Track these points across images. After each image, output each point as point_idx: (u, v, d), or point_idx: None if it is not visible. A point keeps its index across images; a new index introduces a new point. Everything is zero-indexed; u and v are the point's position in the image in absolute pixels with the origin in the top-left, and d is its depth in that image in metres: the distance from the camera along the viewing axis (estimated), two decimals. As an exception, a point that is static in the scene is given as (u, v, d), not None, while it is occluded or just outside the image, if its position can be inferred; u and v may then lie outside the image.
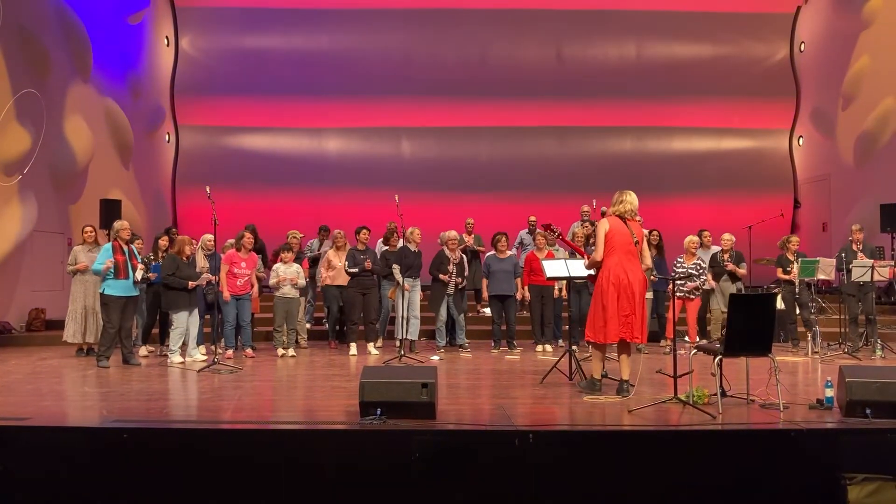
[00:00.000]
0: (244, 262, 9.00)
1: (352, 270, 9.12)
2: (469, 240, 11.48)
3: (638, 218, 6.44)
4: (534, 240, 10.10)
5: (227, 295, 8.85)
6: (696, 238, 9.66)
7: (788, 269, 9.55)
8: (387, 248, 9.82)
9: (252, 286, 9.10)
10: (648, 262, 6.43)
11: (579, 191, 12.98)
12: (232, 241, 9.45)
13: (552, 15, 15.41)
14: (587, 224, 10.91)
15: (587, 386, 6.42)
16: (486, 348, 9.72)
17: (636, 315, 6.13)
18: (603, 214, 8.19)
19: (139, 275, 8.27)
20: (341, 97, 15.30)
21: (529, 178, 14.90)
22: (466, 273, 9.90)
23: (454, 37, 15.40)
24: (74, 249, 9.10)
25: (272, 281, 9.21)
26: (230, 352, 8.92)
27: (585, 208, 11.54)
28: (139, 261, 8.40)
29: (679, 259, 9.60)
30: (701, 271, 9.47)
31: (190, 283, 8.46)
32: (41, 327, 10.74)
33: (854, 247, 9.39)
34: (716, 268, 9.57)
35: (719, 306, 9.54)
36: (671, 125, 15.62)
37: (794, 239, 9.92)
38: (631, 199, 6.33)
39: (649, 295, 9.24)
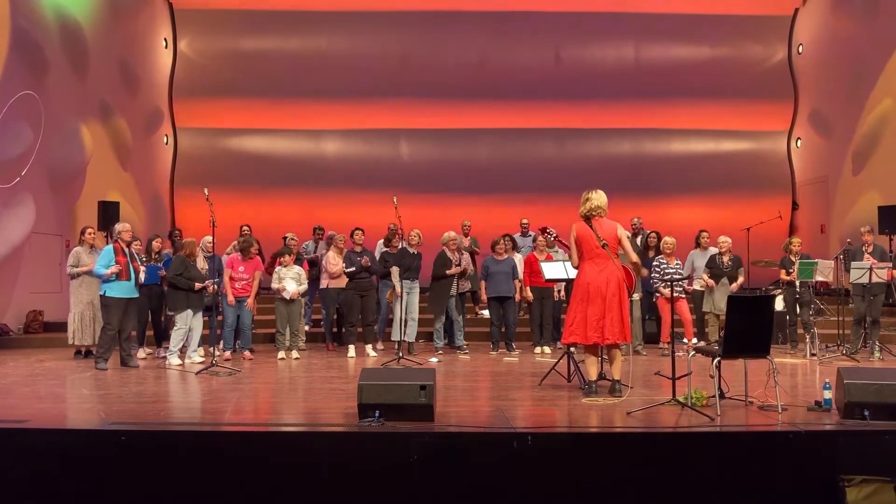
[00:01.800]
0: (242, 267, 9.01)
1: (348, 270, 9.13)
2: (465, 241, 11.51)
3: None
4: (533, 240, 10.12)
5: (231, 299, 8.89)
6: (671, 239, 9.60)
7: (791, 270, 9.54)
8: (387, 249, 9.83)
9: (251, 290, 9.11)
10: (633, 257, 6.44)
11: (578, 193, 12.95)
12: (235, 243, 9.45)
13: (551, 17, 15.41)
14: None
15: (585, 391, 6.41)
16: (485, 350, 9.72)
17: (606, 318, 6.13)
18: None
19: (143, 276, 8.29)
20: (340, 99, 15.27)
21: (528, 180, 14.90)
22: (470, 272, 9.92)
23: (453, 39, 15.40)
24: (76, 251, 9.02)
25: (274, 285, 9.18)
26: (228, 353, 8.93)
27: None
28: (139, 262, 8.40)
29: (661, 261, 9.49)
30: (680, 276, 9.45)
31: (196, 284, 8.46)
32: (39, 329, 10.72)
33: (864, 248, 9.36)
34: (714, 269, 9.53)
35: (712, 309, 9.47)
36: (669, 127, 15.64)
37: (796, 240, 9.91)
38: (594, 197, 6.34)
39: (637, 296, 9.19)
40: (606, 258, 6.21)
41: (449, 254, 9.58)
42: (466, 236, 11.75)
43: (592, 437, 5.07)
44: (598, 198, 6.35)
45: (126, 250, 8.20)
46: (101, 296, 8.16)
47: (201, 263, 9.01)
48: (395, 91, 15.23)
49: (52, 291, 11.10)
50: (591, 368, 6.36)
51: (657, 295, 9.43)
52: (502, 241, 9.89)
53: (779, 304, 9.83)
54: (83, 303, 8.88)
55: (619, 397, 6.09)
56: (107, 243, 9.31)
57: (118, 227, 8.37)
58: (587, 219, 6.32)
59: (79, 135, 11.97)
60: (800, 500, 4.69)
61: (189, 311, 8.54)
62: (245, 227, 10.68)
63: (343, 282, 9.36)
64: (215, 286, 8.74)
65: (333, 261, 9.46)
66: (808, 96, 15.34)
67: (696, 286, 9.65)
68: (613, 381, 6.26)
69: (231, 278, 8.96)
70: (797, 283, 9.44)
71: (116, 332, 8.10)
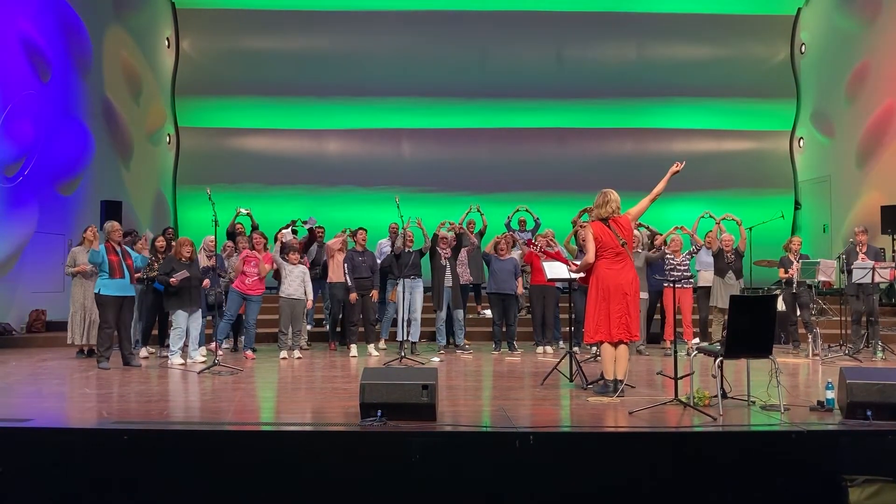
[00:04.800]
0: (254, 262, 9.01)
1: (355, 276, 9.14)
2: (473, 238, 11.52)
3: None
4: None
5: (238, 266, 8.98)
6: (678, 236, 9.73)
7: (789, 269, 9.55)
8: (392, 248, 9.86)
9: (261, 288, 9.16)
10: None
11: (580, 192, 12.97)
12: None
13: (552, 17, 15.41)
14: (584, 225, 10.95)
15: (601, 389, 6.39)
16: (487, 350, 9.72)
17: (630, 315, 6.17)
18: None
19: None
20: (342, 98, 15.31)
21: (529, 180, 14.88)
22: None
23: (455, 38, 15.40)
24: (73, 250, 9.08)
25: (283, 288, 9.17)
26: (215, 344, 8.55)
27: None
28: (133, 260, 8.38)
29: (668, 256, 9.63)
30: (685, 268, 9.58)
31: (171, 279, 8.31)
32: (41, 329, 10.73)
33: (858, 248, 9.37)
34: (719, 265, 9.64)
35: (716, 303, 9.55)
36: (671, 127, 15.63)
37: (796, 239, 9.93)
38: (613, 199, 6.35)
39: (644, 295, 9.27)
40: (626, 256, 6.23)
41: (439, 250, 9.60)
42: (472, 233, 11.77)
43: (594, 437, 5.06)
44: (616, 198, 6.35)
45: (117, 249, 8.20)
46: (95, 294, 8.16)
47: (205, 263, 9.01)
48: (396, 90, 15.24)
49: (54, 291, 11.10)
50: (611, 367, 6.30)
51: (665, 284, 9.46)
52: (503, 240, 9.89)
53: (780, 304, 9.84)
54: (78, 302, 8.91)
55: (619, 396, 6.10)
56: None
57: (107, 226, 8.38)
58: (604, 220, 6.30)
59: (81, 134, 11.99)
60: (802, 500, 4.69)
61: (182, 312, 8.45)
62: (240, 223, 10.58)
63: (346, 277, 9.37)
64: (176, 279, 8.44)
65: (332, 243, 9.51)
66: (811, 96, 15.32)
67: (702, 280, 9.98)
68: (616, 380, 6.26)
69: (244, 273, 8.96)
70: (795, 282, 9.43)
71: (114, 330, 8.11)
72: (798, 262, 9.53)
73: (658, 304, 10.05)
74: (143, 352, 9.08)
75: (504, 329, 9.69)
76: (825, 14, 14.74)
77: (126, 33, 13.73)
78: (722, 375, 5.63)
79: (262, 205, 14.44)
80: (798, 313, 9.64)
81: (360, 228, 9.48)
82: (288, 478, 4.69)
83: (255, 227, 10.11)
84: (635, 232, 8.87)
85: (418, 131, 15.63)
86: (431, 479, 4.67)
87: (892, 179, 12.55)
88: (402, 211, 8.94)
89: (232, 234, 9.95)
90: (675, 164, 6.45)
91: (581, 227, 8.44)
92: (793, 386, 6.85)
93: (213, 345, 8.65)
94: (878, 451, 4.77)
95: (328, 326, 10.29)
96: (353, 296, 9.10)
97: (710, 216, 10.10)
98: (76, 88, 12.03)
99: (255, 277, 9.02)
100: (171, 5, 15.41)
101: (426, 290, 9.81)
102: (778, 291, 10.30)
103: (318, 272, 10.26)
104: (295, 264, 9.18)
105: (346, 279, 9.18)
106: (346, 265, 9.22)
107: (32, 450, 4.79)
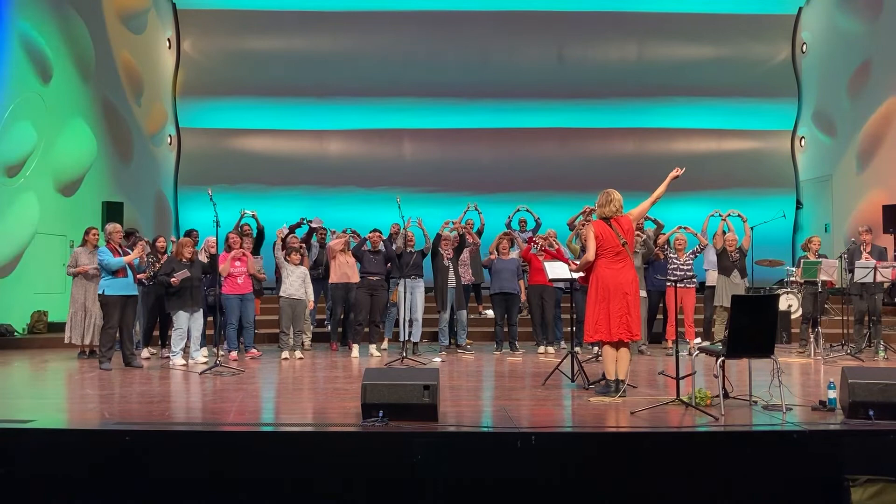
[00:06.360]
0: (238, 262, 9.02)
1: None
2: (475, 238, 11.51)
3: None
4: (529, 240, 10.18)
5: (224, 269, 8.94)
6: (682, 235, 9.76)
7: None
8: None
9: (251, 285, 9.16)
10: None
11: (581, 192, 12.96)
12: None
13: (553, 17, 15.41)
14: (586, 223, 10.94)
15: (602, 389, 6.38)
16: (488, 350, 9.72)
17: (630, 315, 6.17)
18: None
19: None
20: (343, 99, 15.32)
21: (531, 180, 14.87)
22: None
23: (456, 38, 15.40)
24: (75, 251, 9.10)
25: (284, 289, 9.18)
26: (234, 353, 8.90)
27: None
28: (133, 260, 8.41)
29: (671, 256, 9.68)
30: (688, 268, 9.60)
31: (172, 279, 8.33)
32: (43, 329, 10.73)
33: (862, 248, 9.34)
34: (724, 263, 9.62)
35: (721, 302, 9.55)
36: (672, 126, 15.63)
37: (816, 239, 9.86)
38: (616, 198, 6.37)
39: (643, 293, 9.28)
40: (626, 256, 6.24)
41: (442, 251, 9.59)
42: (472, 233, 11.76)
43: (596, 437, 5.06)
44: (619, 198, 6.38)
45: (119, 250, 8.23)
46: (99, 295, 8.18)
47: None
48: (398, 91, 15.25)
49: (56, 292, 11.11)
50: (613, 367, 6.28)
51: (667, 284, 9.46)
52: (507, 240, 9.90)
53: (783, 304, 9.82)
54: (77, 303, 8.93)
55: (622, 396, 6.09)
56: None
57: (109, 228, 8.42)
58: (606, 219, 6.32)
59: (83, 135, 11.99)
60: (804, 499, 4.68)
61: (183, 313, 8.46)
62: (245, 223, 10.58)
63: (348, 278, 9.35)
64: (176, 279, 8.46)
65: (334, 244, 9.49)
66: (812, 95, 15.30)
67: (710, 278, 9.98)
68: (617, 380, 6.25)
69: (230, 275, 8.96)
70: (819, 281, 9.35)
71: (117, 329, 8.12)
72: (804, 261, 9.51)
73: (660, 304, 10.04)
74: (145, 352, 9.09)
75: (506, 329, 9.68)
76: (826, 13, 14.72)
77: (127, 34, 13.74)
78: (724, 375, 5.63)
79: (263, 205, 14.38)
80: (813, 309, 9.59)
81: (375, 230, 9.50)
82: (289, 478, 4.69)
83: (260, 230, 10.14)
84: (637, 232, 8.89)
85: (419, 131, 15.63)
86: (433, 480, 4.66)
87: (893, 178, 12.54)
88: (403, 211, 8.94)
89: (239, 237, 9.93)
90: (675, 170, 6.47)
91: (582, 226, 8.44)
92: (795, 386, 6.84)
93: (233, 353, 8.79)
94: (880, 451, 4.76)
95: (329, 327, 10.29)
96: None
97: (719, 214, 10.08)
98: (78, 89, 12.03)
99: (245, 274, 9.02)
100: (172, 6, 15.41)
101: (427, 290, 9.81)
102: (784, 291, 10.30)
103: (321, 273, 10.26)
104: (296, 265, 9.18)
105: (357, 277, 9.30)
106: (361, 263, 9.28)
107: (34, 450, 4.79)
